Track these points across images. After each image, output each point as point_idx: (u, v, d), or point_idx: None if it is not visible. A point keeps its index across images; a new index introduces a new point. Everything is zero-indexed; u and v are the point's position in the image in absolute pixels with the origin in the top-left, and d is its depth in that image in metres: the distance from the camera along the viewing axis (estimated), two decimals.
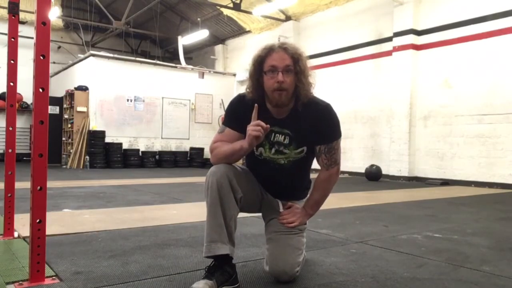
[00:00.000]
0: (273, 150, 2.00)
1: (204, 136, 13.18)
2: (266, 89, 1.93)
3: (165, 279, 1.97)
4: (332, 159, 2.02)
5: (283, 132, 1.99)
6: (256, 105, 1.88)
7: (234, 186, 1.87)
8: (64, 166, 11.54)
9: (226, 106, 12.78)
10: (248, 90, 2.00)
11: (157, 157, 12.25)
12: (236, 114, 2.01)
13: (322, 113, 1.98)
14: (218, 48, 15.20)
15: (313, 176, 2.07)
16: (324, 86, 10.35)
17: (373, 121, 9.85)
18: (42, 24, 1.79)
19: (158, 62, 12.99)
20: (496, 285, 2.01)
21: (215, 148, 1.97)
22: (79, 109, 11.31)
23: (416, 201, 5.35)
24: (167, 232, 3.04)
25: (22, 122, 13.14)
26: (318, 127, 1.97)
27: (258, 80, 1.96)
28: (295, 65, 1.90)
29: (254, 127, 1.82)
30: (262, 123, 1.82)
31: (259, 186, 2.08)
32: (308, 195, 2.14)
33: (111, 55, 12.28)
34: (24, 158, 11.55)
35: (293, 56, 1.90)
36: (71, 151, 11.31)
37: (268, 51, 1.92)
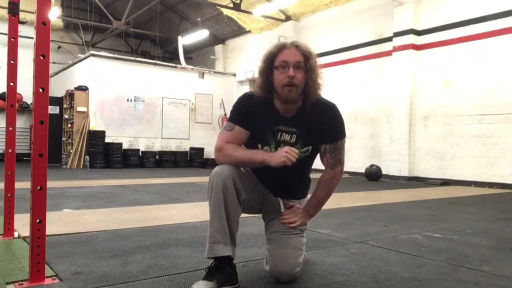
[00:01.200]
0: (278, 149, 1.99)
1: (204, 136, 13.18)
2: (276, 84, 1.93)
3: (165, 279, 1.97)
4: (337, 158, 2.02)
5: (290, 131, 1.99)
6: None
7: (238, 188, 1.86)
8: (64, 166, 11.54)
9: (227, 106, 12.75)
10: (257, 87, 1.99)
11: (157, 157, 12.23)
12: (246, 112, 1.99)
13: (329, 112, 2.00)
14: (218, 48, 15.20)
15: (313, 175, 2.06)
16: (324, 86, 10.32)
17: (373, 121, 9.85)
18: (42, 24, 1.79)
19: (158, 62, 12.98)
20: (496, 285, 2.01)
21: (226, 149, 1.93)
22: (79, 109, 11.30)
23: (416, 201, 5.35)
24: (167, 232, 3.04)
25: (22, 122, 13.14)
26: (325, 126, 1.98)
27: (267, 77, 1.95)
28: (306, 62, 1.92)
29: (292, 152, 1.82)
30: (297, 151, 1.85)
31: (261, 186, 2.07)
32: (311, 195, 2.13)
33: (111, 55, 12.28)
34: (24, 158, 11.55)
35: (304, 53, 1.92)
36: (71, 151, 11.31)
37: (280, 48, 1.93)
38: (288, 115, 1.98)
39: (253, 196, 1.99)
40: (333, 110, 2.02)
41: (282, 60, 1.89)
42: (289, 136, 1.99)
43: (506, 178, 7.43)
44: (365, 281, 2.02)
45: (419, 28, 8.87)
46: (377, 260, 2.39)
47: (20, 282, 1.86)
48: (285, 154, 1.81)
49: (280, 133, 1.99)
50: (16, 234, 2.73)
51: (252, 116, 1.98)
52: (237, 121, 1.99)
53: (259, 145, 2.01)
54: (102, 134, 11.36)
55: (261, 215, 2.18)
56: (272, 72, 1.93)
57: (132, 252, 2.45)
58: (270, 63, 1.94)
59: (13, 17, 2.62)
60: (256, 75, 2.07)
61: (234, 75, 13.86)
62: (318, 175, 2.08)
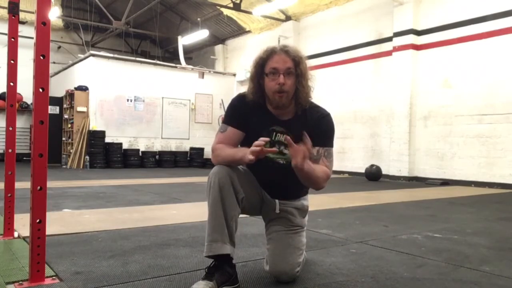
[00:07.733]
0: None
1: (204, 136, 13.18)
2: (267, 90, 1.95)
3: (165, 279, 1.97)
4: (331, 164, 2.01)
5: (285, 132, 1.99)
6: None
7: (236, 187, 1.87)
8: (64, 166, 11.54)
9: (226, 106, 12.75)
10: (249, 92, 2.01)
11: (157, 157, 12.24)
12: (239, 113, 2.02)
13: (325, 119, 2.02)
14: (218, 48, 15.20)
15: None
16: (324, 86, 10.34)
17: (373, 121, 9.85)
18: (42, 24, 1.79)
19: (158, 62, 12.99)
20: (496, 285, 2.01)
21: (217, 149, 1.97)
22: (79, 109, 11.31)
23: (416, 201, 5.35)
24: (167, 232, 3.04)
25: (22, 122, 13.13)
26: (320, 132, 1.98)
27: (259, 82, 1.98)
28: (296, 68, 1.92)
29: (256, 144, 1.76)
30: (262, 143, 1.77)
31: (260, 187, 2.07)
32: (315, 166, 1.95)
33: (111, 55, 12.28)
34: (24, 158, 11.54)
35: (294, 59, 1.92)
36: (71, 151, 11.31)
37: (270, 53, 1.94)
38: (283, 118, 2.00)
39: (252, 195, 1.99)
40: (328, 117, 2.04)
41: (272, 67, 1.91)
42: (284, 137, 1.98)
43: (506, 178, 7.43)
44: (365, 281, 2.02)
45: (419, 28, 8.87)
46: (377, 260, 2.39)
47: (20, 282, 1.86)
48: (250, 149, 1.76)
49: (274, 133, 1.99)
50: (16, 234, 2.73)
51: (246, 117, 1.99)
52: (230, 122, 2.02)
53: None
54: (102, 134, 11.37)
55: (261, 216, 2.18)
56: (263, 78, 1.95)
57: (132, 252, 2.45)
58: (261, 68, 1.96)
59: (13, 17, 2.62)
60: None
61: (234, 75, 13.86)
62: None
